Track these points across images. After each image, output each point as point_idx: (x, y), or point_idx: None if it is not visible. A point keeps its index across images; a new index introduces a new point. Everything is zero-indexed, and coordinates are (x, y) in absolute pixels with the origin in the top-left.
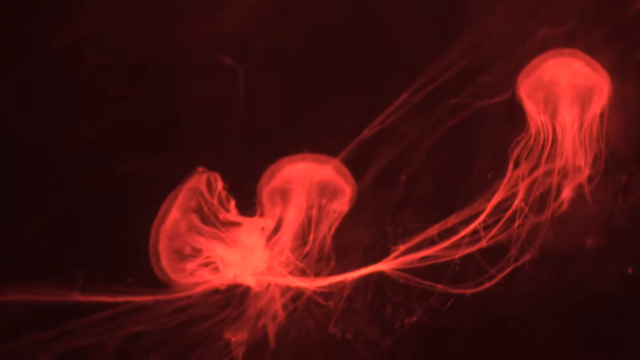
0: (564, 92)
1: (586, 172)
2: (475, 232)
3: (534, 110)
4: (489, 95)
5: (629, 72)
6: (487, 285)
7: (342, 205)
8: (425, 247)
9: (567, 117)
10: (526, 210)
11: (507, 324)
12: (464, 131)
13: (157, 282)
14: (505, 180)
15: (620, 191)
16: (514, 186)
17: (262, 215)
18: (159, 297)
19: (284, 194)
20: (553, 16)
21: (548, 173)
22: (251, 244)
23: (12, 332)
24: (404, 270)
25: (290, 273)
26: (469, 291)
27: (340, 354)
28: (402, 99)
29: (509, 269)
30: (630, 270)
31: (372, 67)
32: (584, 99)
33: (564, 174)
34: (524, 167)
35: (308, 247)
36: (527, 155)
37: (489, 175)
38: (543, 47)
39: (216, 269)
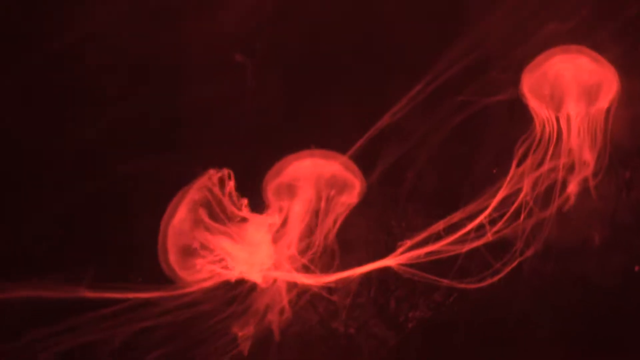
0: (569, 88)
1: (591, 167)
2: (480, 227)
3: (539, 106)
4: (494, 92)
5: (634, 68)
6: (491, 280)
7: (351, 197)
8: (431, 242)
9: (573, 112)
10: (531, 204)
11: (511, 320)
12: (469, 128)
13: (157, 282)
14: (510, 176)
15: (624, 186)
16: (519, 182)
17: (268, 212)
18: (166, 293)
19: (290, 191)
20: (554, 15)
21: (553, 168)
22: (258, 240)
23: (14, 330)
24: (410, 266)
25: (297, 269)
26: (473, 286)
27: (344, 349)
28: (409, 97)
29: (514, 264)
30: (637, 268)
31: (372, 67)
32: (589, 94)
33: (569, 169)
34: (529, 163)
35: (315, 242)
36: (533, 151)
37: (494, 171)
38: (549, 43)
39: (224, 265)
